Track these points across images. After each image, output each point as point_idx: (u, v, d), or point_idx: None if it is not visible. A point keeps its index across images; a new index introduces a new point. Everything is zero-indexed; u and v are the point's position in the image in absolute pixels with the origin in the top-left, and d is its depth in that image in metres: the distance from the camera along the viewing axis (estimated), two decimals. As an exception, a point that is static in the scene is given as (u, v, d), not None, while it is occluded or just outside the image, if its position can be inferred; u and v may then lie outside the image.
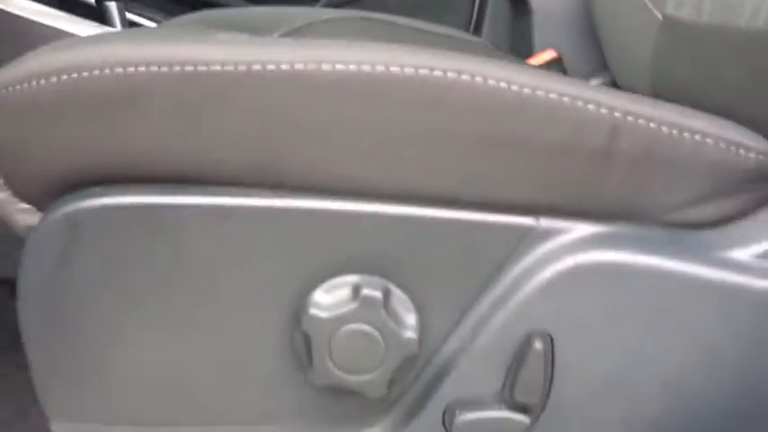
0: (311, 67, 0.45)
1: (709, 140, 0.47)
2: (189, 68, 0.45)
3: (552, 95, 0.45)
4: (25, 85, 0.47)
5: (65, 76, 0.46)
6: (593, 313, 0.48)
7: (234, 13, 0.95)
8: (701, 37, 0.71)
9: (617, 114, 0.46)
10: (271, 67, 0.45)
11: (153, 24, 1.54)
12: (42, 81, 0.46)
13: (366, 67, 0.45)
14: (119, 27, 1.18)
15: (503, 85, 0.45)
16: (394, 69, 0.45)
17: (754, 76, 0.61)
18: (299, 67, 0.45)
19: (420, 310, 0.49)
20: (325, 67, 0.45)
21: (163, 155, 0.47)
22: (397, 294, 0.49)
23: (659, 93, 0.80)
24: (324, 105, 0.45)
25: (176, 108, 0.46)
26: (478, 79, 0.45)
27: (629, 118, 0.46)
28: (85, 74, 0.46)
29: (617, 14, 0.95)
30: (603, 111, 0.46)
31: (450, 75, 0.45)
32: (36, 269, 0.49)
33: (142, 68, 0.45)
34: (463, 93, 0.45)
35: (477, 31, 1.72)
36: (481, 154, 0.46)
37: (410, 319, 0.49)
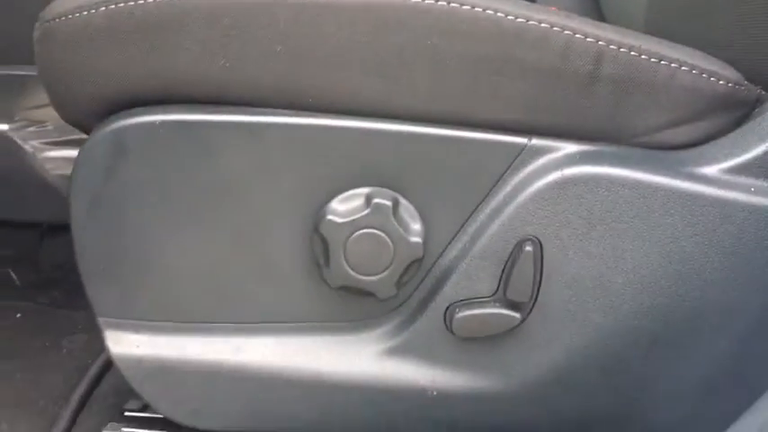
0: None
1: (684, 68, 0.53)
2: None
3: (544, 25, 0.51)
4: (76, 14, 0.53)
5: (112, 6, 0.52)
6: (576, 221, 0.53)
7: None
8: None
9: (601, 43, 0.52)
10: None
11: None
12: (93, 11, 0.52)
13: None
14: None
15: (500, 14, 0.51)
16: None
17: (735, 8, 0.65)
18: None
19: (425, 218, 0.55)
20: None
21: (199, 76, 0.53)
22: (405, 204, 0.55)
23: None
24: (341, 32, 0.51)
25: (211, 33, 0.51)
26: (478, 9, 0.51)
27: (612, 46, 0.52)
28: (131, 2, 0.52)
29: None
30: (589, 39, 0.52)
31: (452, 5, 0.51)
32: (86, 181, 0.55)
33: None
34: (464, 21, 0.51)
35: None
36: (480, 77, 0.52)
37: (416, 226, 0.55)
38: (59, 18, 0.54)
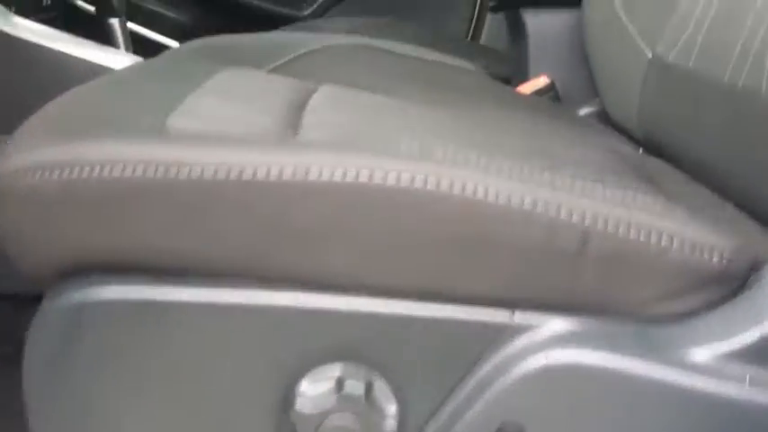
0: (299, 177, 0.47)
1: (675, 243, 0.49)
2: (183, 173, 0.47)
3: (527, 204, 0.48)
4: (30, 174, 0.49)
5: (67, 170, 0.49)
6: (561, 408, 0.50)
7: (231, 41, 0.96)
8: (686, 80, 0.73)
9: (587, 222, 0.48)
10: (260, 176, 0.47)
11: (156, 36, 1.56)
12: (47, 173, 0.49)
13: (350, 177, 0.47)
14: (122, 44, 1.20)
15: (479, 195, 0.47)
16: (377, 179, 0.47)
17: (729, 129, 0.63)
18: (287, 177, 0.47)
19: (400, 398, 0.52)
20: (312, 176, 0.47)
21: (155, 248, 0.50)
22: (379, 384, 0.51)
23: (645, 126, 0.82)
24: (308, 210, 0.48)
25: (168, 207, 0.48)
26: (456, 188, 0.47)
27: (600, 223, 0.49)
28: (87, 170, 0.48)
29: (607, 47, 0.97)
30: (575, 217, 0.48)
31: (428, 187, 0.47)
32: (39, 350, 0.52)
33: (140, 169, 0.48)
34: (442, 201, 0.47)
35: (477, 31, 1.72)
36: (458, 255, 0.49)
37: (391, 407, 0.51)
38: (13, 174, 0.51)
